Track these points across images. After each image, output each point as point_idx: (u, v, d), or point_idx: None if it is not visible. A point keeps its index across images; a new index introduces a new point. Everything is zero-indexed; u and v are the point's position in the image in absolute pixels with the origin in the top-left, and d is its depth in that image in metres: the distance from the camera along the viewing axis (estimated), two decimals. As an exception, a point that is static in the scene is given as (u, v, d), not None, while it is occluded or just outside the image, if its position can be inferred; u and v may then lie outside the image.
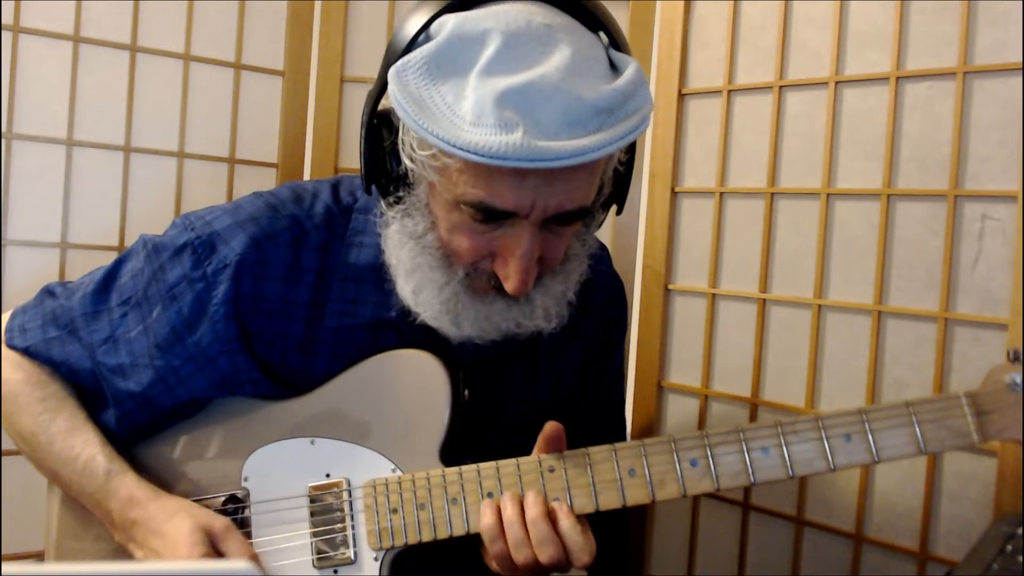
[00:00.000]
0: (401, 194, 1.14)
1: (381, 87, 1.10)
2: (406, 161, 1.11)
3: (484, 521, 1.11)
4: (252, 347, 1.23)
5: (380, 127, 1.13)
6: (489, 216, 1.06)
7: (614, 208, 1.24)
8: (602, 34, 1.10)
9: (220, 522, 1.19)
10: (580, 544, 1.09)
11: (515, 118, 0.97)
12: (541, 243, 1.10)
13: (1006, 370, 1.05)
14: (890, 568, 1.55)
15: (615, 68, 1.08)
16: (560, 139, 0.98)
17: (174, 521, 1.18)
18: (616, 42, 1.11)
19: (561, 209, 1.07)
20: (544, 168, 0.98)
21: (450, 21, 1.04)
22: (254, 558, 1.19)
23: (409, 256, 1.15)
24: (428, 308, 1.15)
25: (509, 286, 1.09)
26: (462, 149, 0.97)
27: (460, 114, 0.99)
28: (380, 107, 1.13)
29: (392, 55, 1.08)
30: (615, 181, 1.19)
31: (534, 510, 1.10)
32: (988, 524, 1.39)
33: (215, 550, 1.17)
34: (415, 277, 1.15)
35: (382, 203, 1.17)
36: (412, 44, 1.07)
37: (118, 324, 1.26)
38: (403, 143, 1.10)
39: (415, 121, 1.00)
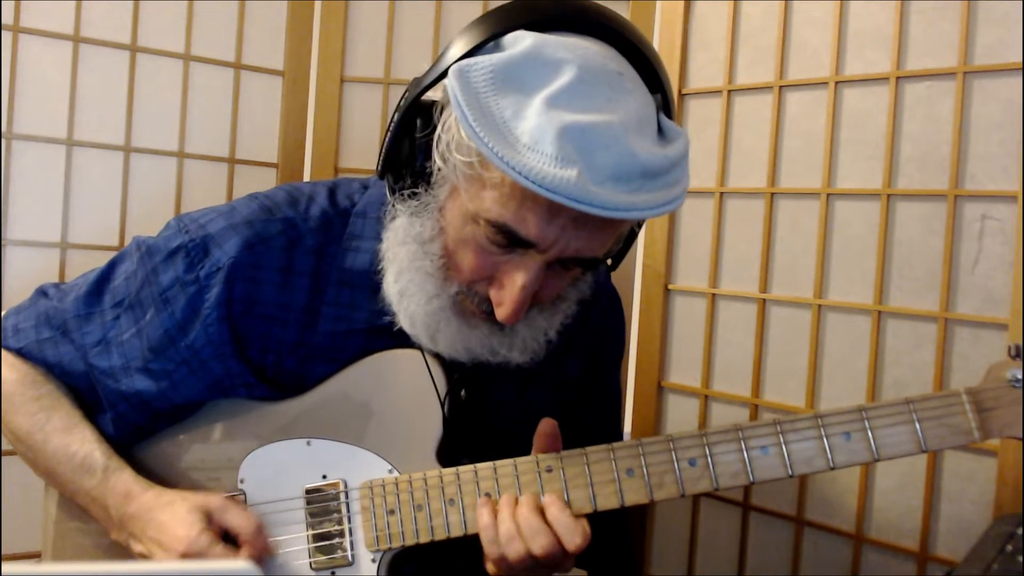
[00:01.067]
0: (418, 191, 1.12)
1: (434, 79, 1.08)
2: (436, 159, 1.08)
3: (481, 521, 1.11)
4: (245, 351, 1.22)
5: (416, 117, 1.11)
6: (507, 240, 1.05)
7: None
8: (659, 96, 1.10)
9: (216, 499, 1.18)
10: (570, 527, 1.07)
11: (575, 156, 0.95)
12: (544, 280, 1.09)
13: (1007, 366, 1.04)
14: (890, 568, 1.55)
15: (662, 133, 1.08)
16: (606, 188, 0.97)
17: (170, 508, 1.17)
18: (668, 108, 1.11)
19: (579, 254, 1.06)
20: (590, 213, 0.96)
21: (528, 39, 1.02)
22: (258, 526, 1.18)
23: (408, 257, 1.14)
24: (409, 315, 1.15)
25: (501, 313, 1.08)
26: (515, 170, 0.95)
27: (515, 133, 0.97)
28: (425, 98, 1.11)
29: (454, 52, 1.06)
30: (624, 239, 1.19)
31: (525, 507, 1.10)
32: (988, 524, 1.38)
33: (215, 526, 1.16)
34: (405, 279, 1.14)
35: (395, 199, 1.15)
36: (479, 48, 1.05)
37: (111, 327, 1.26)
38: (439, 140, 1.08)
39: (471, 125, 0.97)
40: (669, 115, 1.11)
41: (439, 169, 1.09)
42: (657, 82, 1.11)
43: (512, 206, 1.02)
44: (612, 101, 1.00)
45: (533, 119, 0.97)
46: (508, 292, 1.07)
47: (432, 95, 1.10)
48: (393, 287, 1.16)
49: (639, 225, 1.20)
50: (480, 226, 1.06)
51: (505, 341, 1.16)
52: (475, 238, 1.08)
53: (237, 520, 1.17)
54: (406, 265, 1.14)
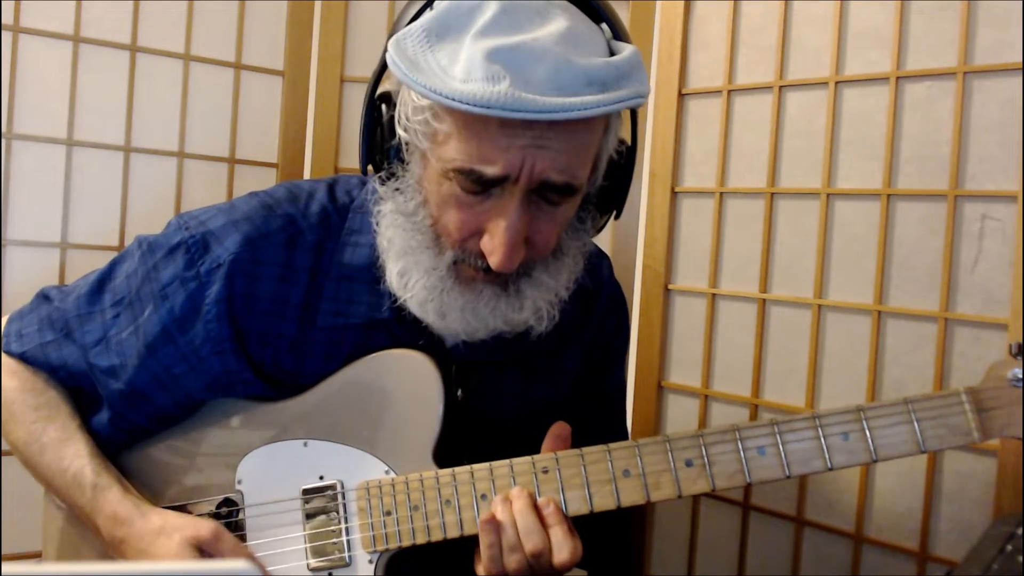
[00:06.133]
0: (396, 172, 1.15)
1: (383, 64, 1.11)
2: (400, 132, 1.12)
3: (484, 538, 1.10)
4: (244, 347, 1.22)
5: (380, 105, 1.15)
6: (478, 184, 1.06)
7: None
8: (604, 26, 1.11)
9: (207, 529, 1.17)
10: (560, 541, 1.07)
11: (503, 72, 0.97)
12: (529, 220, 1.08)
13: (1007, 365, 1.03)
14: (890, 568, 1.54)
15: (614, 55, 1.08)
16: (546, 97, 0.98)
17: (159, 541, 1.16)
18: (619, 35, 1.12)
19: (548, 176, 1.05)
20: (529, 119, 0.98)
21: None
22: (251, 557, 1.18)
23: (401, 236, 1.15)
24: (413, 292, 1.14)
25: (494, 260, 1.07)
26: (447, 97, 0.98)
27: (452, 74, 1.00)
28: (382, 89, 1.15)
29: (396, 30, 1.09)
30: (612, 175, 1.18)
31: (520, 502, 1.09)
32: (988, 524, 1.38)
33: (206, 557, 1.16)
34: (404, 259, 1.14)
35: (376, 182, 1.18)
36: (415, 19, 1.08)
37: (110, 325, 1.26)
38: (399, 116, 1.11)
39: (405, 74, 1.01)
40: (621, 40, 1.12)
41: (406, 144, 1.12)
42: (598, 15, 1.12)
43: (471, 148, 1.04)
44: (540, 24, 1.03)
45: (464, 56, 1.00)
46: (497, 238, 1.07)
47: (390, 86, 1.14)
48: (393, 271, 1.16)
49: (620, 154, 1.18)
50: (452, 180, 1.07)
51: (515, 304, 1.15)
52: (453, 194, 1.09)
53: (229, 552, 1.17)
54: (401, 246, 1.15)
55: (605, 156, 1.15)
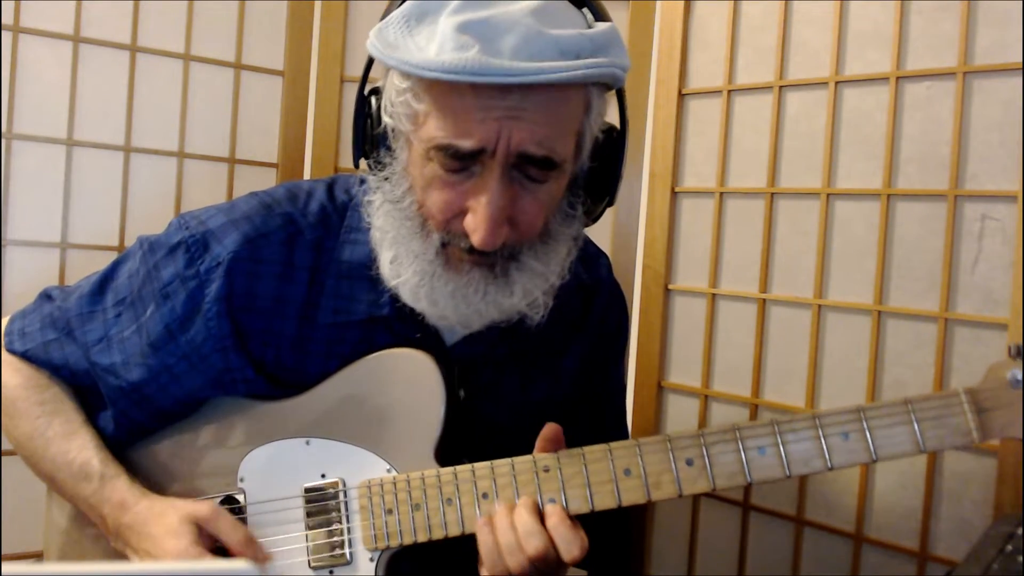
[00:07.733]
0: (384, 160, 1.16)
1: (371, 58, 1.12)
2: (386, 119, 1.13)
3: (481, 537, 1.10)
4: (246, 345, 1.22)
5: (370, 98, 1.17)
6: (456, 159, 1.06)
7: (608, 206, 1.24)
8: (586, 11, 1.11)
9: (206, 508, 1.17)
10: (568, 537, 1.07)
11: (472, 41, 0.99)
12: (512, 198, 1.08)
13: (1007, 366, 1.02)
14: (890, 568, 1.55)
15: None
16: (519, 62, 0.99)
17: (161, 519, 1.17)
18: (601, 17, 1.12)
19: (526, 148, 1.05)
20: (498, 83, 0.99)
21: None
22: (248, 538, 1.18)
23: (392, 224, 1.15)
24: (405, 278, 1.15)
25: (476, 238, 1.07)
26: (418, 67, 1.00)
27: (427, 53, 1.02)
28: (373, 85, 1.17)
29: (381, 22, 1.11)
30: (600, 157, 1.18)
31: (522, 509, 1.09)
32: (988, 524, 1.38)
33: (205, 536, 1.16)
34: (396, 247, 1.15)
35: (371, 174, 1.19)
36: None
37: (112, 324, 1.26)
38: (385, 103, 1.13)
39: (383, 53, 1.04)
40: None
41: (392, 130, 1.13)
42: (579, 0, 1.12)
43: (448, 124, 1.05)
44: (513, 1, 1.04)
45: (439, 33, 1.02)
46: (479, 215, 1.07)
47: (381, 82, 1.16)
48: (385, 259, 1.17)
49: (606, 132, 1.18)
50: (433, 160, 1.08)
51: (504, 289, 1.14)
52: (435, 175, 1.09)
53: (227, 531, 1.17)
54: (392, 234, 1.16)
55: (589, 135, 1.15)
